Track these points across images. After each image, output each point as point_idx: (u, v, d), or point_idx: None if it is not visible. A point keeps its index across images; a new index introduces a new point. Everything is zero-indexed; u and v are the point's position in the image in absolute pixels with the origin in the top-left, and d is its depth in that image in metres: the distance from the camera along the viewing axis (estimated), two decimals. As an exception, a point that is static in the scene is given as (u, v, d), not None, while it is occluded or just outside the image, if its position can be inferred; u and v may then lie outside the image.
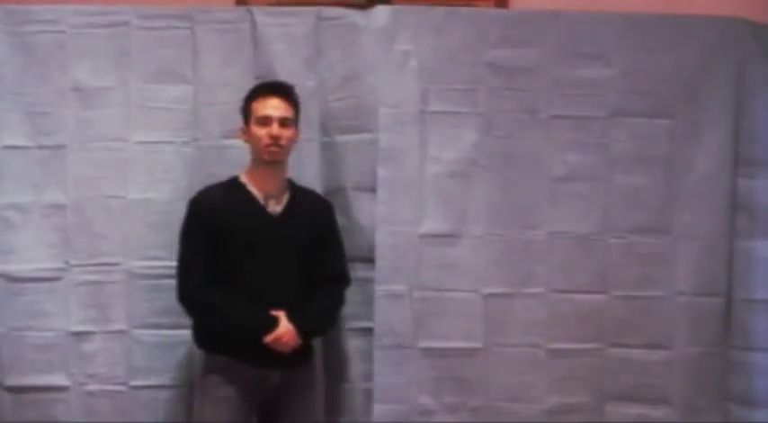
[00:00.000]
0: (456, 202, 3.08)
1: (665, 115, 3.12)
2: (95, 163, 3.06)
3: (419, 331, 3.06)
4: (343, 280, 2.96)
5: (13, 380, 3.03)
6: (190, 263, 2.80)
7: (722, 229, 3.13)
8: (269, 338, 2.71)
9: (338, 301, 2.94)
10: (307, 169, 3.06)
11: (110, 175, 3.06)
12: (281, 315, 2.74)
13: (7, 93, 3.04)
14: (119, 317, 3.05)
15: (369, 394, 3.05)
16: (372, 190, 3.05)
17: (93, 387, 3.04)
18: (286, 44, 3.07)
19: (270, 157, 2.81)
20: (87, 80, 3.06)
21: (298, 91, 2.90)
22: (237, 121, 2.92)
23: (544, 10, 3.16)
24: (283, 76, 3.02)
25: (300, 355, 2.81)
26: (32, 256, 3.04)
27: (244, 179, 2.87)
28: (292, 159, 2.98)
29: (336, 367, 3.09)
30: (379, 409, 3.03)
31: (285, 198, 2.86)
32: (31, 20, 3.04)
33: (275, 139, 2.78)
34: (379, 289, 3.03)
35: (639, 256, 3.12)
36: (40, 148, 3.05)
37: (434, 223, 3.07)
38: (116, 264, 3.05)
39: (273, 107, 2.80)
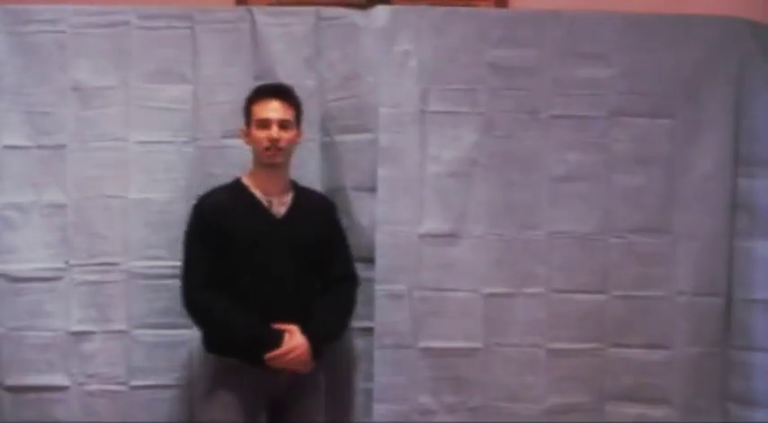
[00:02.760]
0: (456, 201, 3.08)
1: (665, 115, 3.12)
2: (95, 163, 3.06)
3: (419, 331, 3.06)
4: (351, 280, 2.95)
5: (13, 380, 3.03)
6: (194, 267, 2.79)
7: (722, 229, 3.13)
8: (271, 355, 2.69)
9: (349, 303, 2.93)
10: (307, 169, 3.06)
11: (110, 175, 3.06)
12: (293, 329, 2.73)
13: (7, 93, 3.04)
14: (119, 317, 3.05)
15: (369, 394, 3.05)
16: (372, 190, 3.05)
17: (93, 387, 3.04)
18: (286, 44, 3.07)
19: (269, 160, 2.81)
20: (87, 80, 3.06)
21: (298, 91, 2.90)
22: (237, 121, 2.93)
23: (544, 10, 3.16)
24: (283, 76, 3.02)
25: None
26: (32, 255, 3.04)
27: (246, 181, 2.87)
28: (292, 159, 2.99)
29: (336, 367, 3.08)
30: (379, 409, 3.03)
31: (288, 199, 2.86)
32: (31, 20, 3.04)
33: (274, 142, 2.78)
34: (379, 289, 3.03)
35: (639, 256, 3.12)
36: (40, 147, 3.05)
37: (434, 223, 3.07)
38: (116, 264, 3.05)
39: (273, 109, 2.80)
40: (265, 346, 2.70)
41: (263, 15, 3.09)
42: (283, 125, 2.80)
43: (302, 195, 2.90)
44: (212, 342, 2.82)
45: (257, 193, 2.84)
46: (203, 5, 3.16)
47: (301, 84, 2.99)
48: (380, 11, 3.09)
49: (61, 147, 3.05)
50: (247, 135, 2.86)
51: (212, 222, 2.78)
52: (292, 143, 2.85)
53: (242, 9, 3.19)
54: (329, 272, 2.88)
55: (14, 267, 3.04)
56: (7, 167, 3.04)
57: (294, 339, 2.72)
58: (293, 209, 2.85)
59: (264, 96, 2.83)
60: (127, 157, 3.06)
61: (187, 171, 3.07)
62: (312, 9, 3.10)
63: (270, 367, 2.72)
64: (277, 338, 2.72)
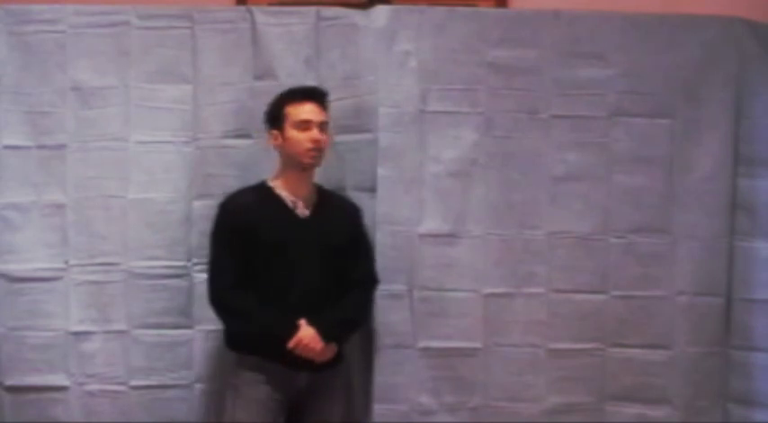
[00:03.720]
0: (456, 201, 3.08)
1: (665, 115, 3.12)
2: (95, 163, 3.06)
3: (419, 331, 3.06)
4: (370, 282, 2.95)
5: (13, 380, 3.03)
6: (220, 265, 2.80)
7: (722, 229, 3.13)
8: (291, 343, 2.71)
9: (365, 304, 2.94)
10: (306, 169, 3.06)
11: (110, 175, 3.06)
12: (302, 322, 2.74)
13: (7, 93, 3.04)
14: (119, 317, 3.05)
15: (368, 394, 3.05)
16: (372, 190, 3.05)
17: (92, 387, 3.04)
18: (286, 44, 3.07)
19: (311, 161, 2.82)
20: (87, 80, 3.06)
21: (297, 91, 2.91)
22: (238, 120, 2.93)
23: (544, 10, 3.15)
24: (283, 75, 3.02)
25: (327, 359, 2.82)
26: (32, 256, 3.04)
27: (272, 184, 2.88)
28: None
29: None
30: (378, 409, 3.03)
31: (313, 201, 2.87)
32: (31, 20, 3.04)
33: (317, 144, 2.79)
34: (379, 289, 3.03)
35: (639, 256, 3.11)
36: (40, 147, 3.05)
37: (434, 223, 3.07)
38: (116, 264, 3.05)
39: (312, 112, 2.82)
40: (287, 336, 2.71)
41: (263, 15, 3.09)
42: (322, 127, 2.82)
43: (327, 198, 2.92)
44: (234, 338, 2.82)
45: (284, 194, 2.84)
46: (203, 5, 3.17)
47: (301, 84, 2.98)
48: (380, 11, 3.09)
49: (61, 147, 3.05)
50: (278, 138, 2.84)
51: (238, 221, 2.79)
52: (328, 146, 2.87)
53: (242, 9, 3.19)
54: (351, 274, 2.88)
55: (14, 267, 3.03)
56: (7, 167, 3.04)
57: (302, 330, 2.73)
58: (318, 211, 2.86)
59: (302, 98, 2.83)
60: (127, 157, 3.06)
61: (187, 171, 3.07)
62: (312, 9, 3.10)
63: (290, 366, 2.74)
64: (291, 329, 2.72)
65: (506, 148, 3.10)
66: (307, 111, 2.81)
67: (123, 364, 3.05)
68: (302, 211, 2.84)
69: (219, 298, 2.80)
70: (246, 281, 2.77)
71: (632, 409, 3.13)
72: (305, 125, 2.80)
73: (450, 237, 3.08)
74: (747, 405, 3.12)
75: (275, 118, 2.85)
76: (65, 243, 3.04)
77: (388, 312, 3.04)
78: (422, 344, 3.06)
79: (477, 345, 3.08)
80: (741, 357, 3.13)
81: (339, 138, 3.08)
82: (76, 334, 3.04)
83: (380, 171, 3.05)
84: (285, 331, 2.73)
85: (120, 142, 3.07)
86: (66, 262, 3.05)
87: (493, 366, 3.08)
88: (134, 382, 3.05)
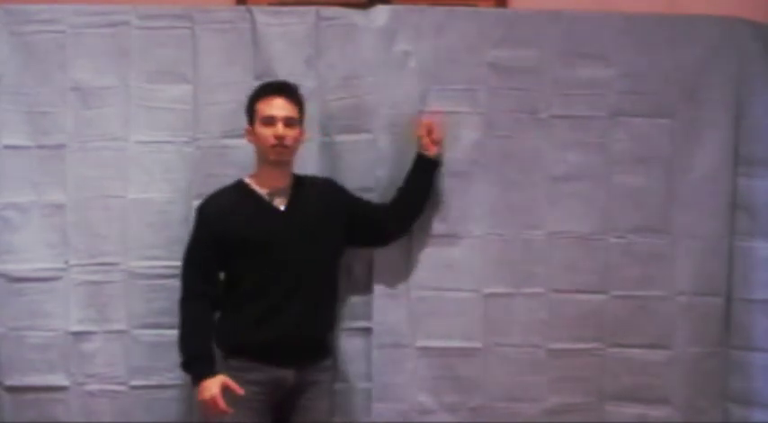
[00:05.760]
0: (456, 201, 3.08)
1: (665, 115, 3.12)
2: (95, 163, 3.06)
3: (418, 331, 3.06)
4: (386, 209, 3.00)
5: (13, 380, 3.03)
6: (188, 271, 2.84)
7: (722, 229, 3.13)
8: (200, 396, 2.76)
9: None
10: (307, 169, 3.05)
11: (110, 175, 3.06)
12: (215, 380, 2.74)
13: (7, 93, 3.03)
14: (119, 317, 3.05)
15: (368, 393, 3.05)
16: (372, 190, 3.05)
17: (92, 387, 3.04)
18: (286, 44, 3.07)
19: (276, 158, 2.81)
20: (87, 80, 3.05)
21: (297, 91, 2.91)
22: (238, 120, 2.93)
23: (544, 10, 3.15)
24: (283, 75, 3.02)
25: (315, 355, 2.84)
26: (32, 256, 3.04)
27: (249, 180, 2.88)
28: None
29: (336, 367, 3.09)
30: (378, 409, 3.04)
31: (289, 193, 2.87)
32: (31, 20, 3.04)
33: (280, 140, 2.78)
34: (378, 288, 3.03)
35: (639, 256, 3.11)
36: (40, 147, 3.05)
37: (434, 223, 3.07)
38: (116, 264, 3.05)
39: (278, 107, 2.81)
40: (192, 373, 2.79)
41: (263, 15, 3.09)
42: (289, 123, 2.81)
43: (301, 185, 2.90)
44: (222, 339, 2.83)
45: (259, 190, 2.85)
46: (203, 5, 3.17)
47: (301, 84, 2.98)
48: (380, 11, 3.09)
49: (61, 147, 3.05)
50: (251, 133, 2.86)
51: (215, 225, 2.80)
52: (297, 141, 2.86)
53: (242, 9, 3.19)
54: (376, 217, 2.94)
55: (14, 267, 3.03)
56: (7, 167, 3.04)
57: (207, 390, 2.74)
58: (295, 200, 2.86)
59: (269, 94, 2.84)
60: (127, 157, 3.06)
61: (187, 171, 3.07)
62: (312, 9, 3.10)
63: (278, 366, 2.75)
64: (203, 373, 2.76)
65: (506, 148, 3.10)
66: (274, 106, 2.81)
67: (123, 364, 3.05)
68: (280, 204, 2.84)
69: (180, 303, 2.84)
70: (237, 281, 2.80)
71: (632, 409, 3.13)
72: (270, 120, 2.80)
73: (450, 237, 3.08)
74: (747, 405, 3.12)
75: (249, 114, 2.86)
76: (65, 243, 3.04)
77: (387, 312, 3.04)
78: (421, 343, 3.06)
79: (477, 345, 3.08)
80: (741, 357, 3.12)
81: (339, 138, 3.08)
82: (76, 334, 3.04)
83: (380, 171, 3.05)
84: (191, 361, 2.79)
85: (120, 142, 3.06)
86: (66, 262, 3.05)
87: (493, 366, 3.08)
88: (134, 382, 3.05)
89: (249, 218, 2.82)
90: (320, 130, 3.08)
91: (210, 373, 2.75)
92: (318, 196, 2.91)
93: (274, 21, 3.08)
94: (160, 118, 3.07)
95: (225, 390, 2.74)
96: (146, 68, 3.07)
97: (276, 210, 2.84)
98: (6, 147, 3.04)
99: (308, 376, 2.82)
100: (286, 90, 2.86)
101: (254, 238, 2.79)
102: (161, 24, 3.07)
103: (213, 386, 2.73)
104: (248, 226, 2.80)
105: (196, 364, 2.79)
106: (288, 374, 2.79)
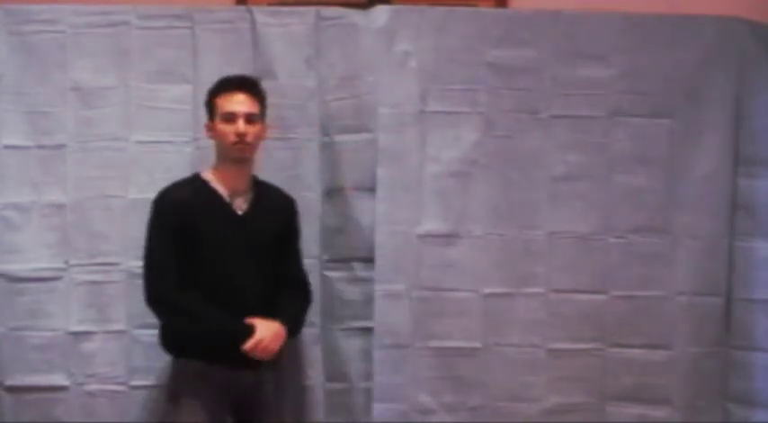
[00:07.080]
0: (456, 202, 3.08)
1: (665, 115, 3.12)
2: (95, 163, 3.06)
3: (418, 331, 3.06)
4: (306, 287, 2.93)
5: (13, 380, 3.03)
6: (161, 264, 2.73)
7: (722, 229, 3.13)
8: (248, 345, 2.66)
9: (306, 305, 2.92)
10: (307, 169, 3.07)
11: (110, 174, 3.06)
12: (258, 322, 2.69)
13: (7, 93, 3.04)
14: (119, 317, 3.05)
15: (368, 393, 3.05)
16: (372, 190, 3.05)
17: (92, 387, 3.05)
18: (286, 44, 3.07)
19: (237, 155, 2.76)
20: (87, 80, 3.06)
21: (297, 91, 2.90)
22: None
23: (544, 10, 3.16)
24: (283, 75, 3.02)
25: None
26: (32, 255, 3.04)
27: (208, 176, 2.82)
28: (291, 159, 3.01)
29: (336, 367, 3.09)
30: (378, 409, 3.04)
31: (250, 196, 2.82)
32: (31, 20, 3.04)
33: (241, 137, 2.72)
34: (379, 289, 3.03)
35: (639, 256, 3.11)
36: (40, 147, 3.05)
37: (434, 223, 3.07)
38: (116, 264, 3.06)
39: (239, 103, 2.75)
40: (239, 339, 2.66)
41: (262, 15, 3.10)
42: (250, 119, 2.75)
43: (264, 192, 2.86)
44: (174, 342, 2.77)
45: (219, 189, 2.79)
46: (203, 5, 3.17)
47: (301, 84, 2.99)
48: (380, 11, 3.09)
49: (61, 147, 3.05)
50: (210, 129, 2.81)
51: (175, 218, 2.73)
52: (259, 138, 2.81)
53: (242, 9, 3.19)
54: (283, 271, 2.84)
55: (14, 267, 3.04)
56: (7, 167, 3.04)
57: (262, 328, 2.69)
58: (255, 206, 2.81)
59: (229, 89, 2.77)
60: (127, 157, 3.07)
61: (187, 171, 3.05)
62: (312, 9, 3.10)
63: (234, 367, 2.70)
64: (249, 330, 2.68)
65: (506, 148, 3.10)
66: (234, 102, 2.74)
67: (123, 364, 3.05)
68: (239, 206, 2.79)
69: (161, 298, 2.73)
70: (186, 280, 2.71)
71: (632, 410, 3.13)
72: (230, 117, 2.73)
73: (450, 237, 3.08)
74: (747, 405, 3.12)
75: (209, 109, 2.80)
76: (65, 243, 3.05)
77: (388, 312, 3.04)
78: (421, 343, 3.06)
79: (477, 344, 3.08)
80: (741, 357, 3.13)
81: (339, 138, 3.08)
82: (76, 334, 3.04)
83: (380, 171, 3.05)
84: (239, 331, 2.67)
85: (120, 142, 3.07)
86: (67, 262, 3.05)
87: (493, 366, 3.08)
88: (134, 382, 3.05)
89: (208, 216, 2.75)
90: (320, 129, 3.09)
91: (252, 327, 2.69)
92: (276, 212, 2.86)
93: (274, 21, 3.09)
94: (160, 118, 3.08)
95: (181, 395, 2.71)
96: (146, 68, 3.07)
97: (234, 213, 2.77)
98: (6, 147, 3.05)
99: (264, 375, 2.77)
100: (247, 85, 2.79)
101: (211, 238, 2.72)
102: (161, 24, 3.08)
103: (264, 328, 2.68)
104: (207, 224, 2.73)
105: (240, 328, 2.68)
106: (244, 374, 2.73)
